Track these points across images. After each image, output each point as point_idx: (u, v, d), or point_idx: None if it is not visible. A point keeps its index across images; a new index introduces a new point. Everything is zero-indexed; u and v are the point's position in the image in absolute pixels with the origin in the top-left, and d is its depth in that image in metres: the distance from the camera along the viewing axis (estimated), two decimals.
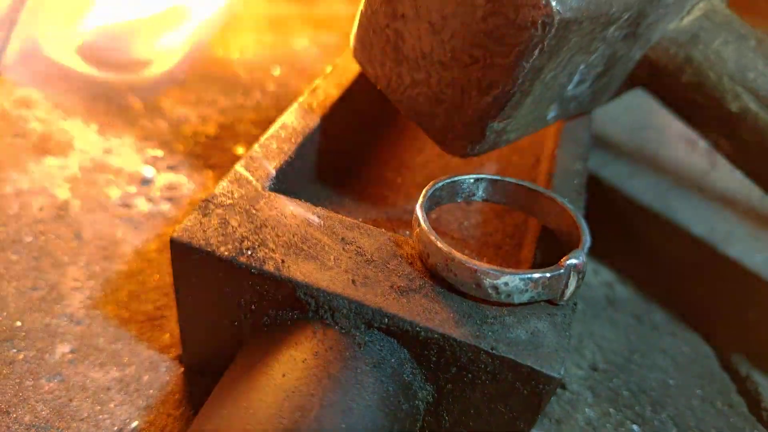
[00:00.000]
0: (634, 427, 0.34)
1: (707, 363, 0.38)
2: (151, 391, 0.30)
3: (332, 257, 0.26)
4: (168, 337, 0.33)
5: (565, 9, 0.25)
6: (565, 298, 0.25)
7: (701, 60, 0.35)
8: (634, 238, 0.46)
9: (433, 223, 0.35)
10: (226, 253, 0.25)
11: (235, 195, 0.28)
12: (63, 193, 0.39)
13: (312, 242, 0.26)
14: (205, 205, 0.27)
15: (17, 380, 0.29)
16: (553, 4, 0.24)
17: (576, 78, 0.32)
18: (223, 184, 0.29)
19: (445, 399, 0.26)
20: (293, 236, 0.27)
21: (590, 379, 0.35)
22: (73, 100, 0.47)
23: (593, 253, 0.44)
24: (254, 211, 0.27)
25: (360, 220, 0.32)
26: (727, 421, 0.35)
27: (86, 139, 0.44)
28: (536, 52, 0.26)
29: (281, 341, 0.24)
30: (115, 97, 0.49)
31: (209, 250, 0.25)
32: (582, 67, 0.32)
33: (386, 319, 0.24)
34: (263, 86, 0.53)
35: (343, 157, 0.38)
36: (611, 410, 0.34)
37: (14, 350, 0.30)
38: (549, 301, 0.26)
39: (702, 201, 0.51)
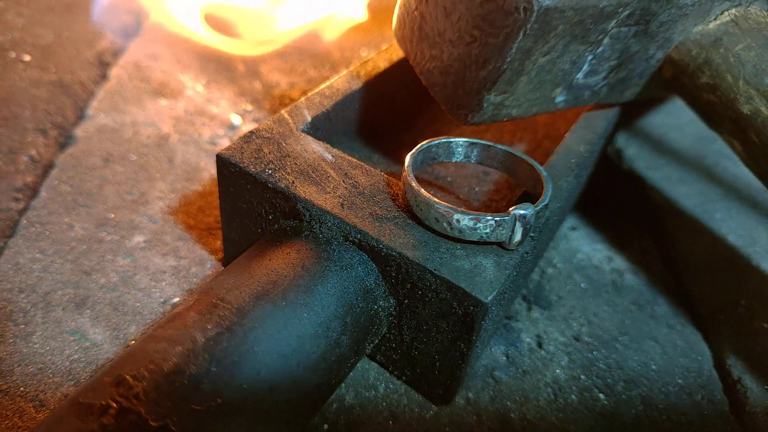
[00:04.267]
0: (601, 395, 0.36)
1: (699, 360, 0.39)
2: (195, 279, 0.38)
3: (332, 186, 0.32)
4: (219, 243, 0.41)
5: None
6: (513, 243, 0.30)
7: (720, 62, 0.37)
8: (664, 239, 0.47)
9: (446, 185, 0.40)
10: (252, 169, 0.33)
11: (274, 131, 0.35)
12: (167, 127, 0.49)
13: (320, 172, 0.33)
14: (249, 135, 0.35)
15: (101, 254, 0.38)
16: None
17: (585, 68, 0.36)
18: (267, 122, 0.36)
19: (405, 314, 0.31)
20: (307, 166, 0.33)
21: (570, 347, 0.39)
22: (192, 59, 0.57)
23: (612, 241, 0.46)
24: (284, 145, 0.34)
25: (378, 170, 0.38)
26: (701, 413, 0.36)
27: (194, 89, 0.54)
28: (521, 34, 0.30)
29: (279, 239, 0.31)
30: (225, 61, 0.58)
31: (242, 166, 0.33)
32: (590, 57, 0.35)
33: (359, 235, 0.30)
34: (350, 64, 0.61)
35: (382, 121, 0.44)
36: (582, 376, 0.37)
37: (104, 233, 0.40)
38: (501, 246, 0.30)
39: (751, 215, 0.51)
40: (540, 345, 0.38)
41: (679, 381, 0.38)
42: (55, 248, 0.38)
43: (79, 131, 0.47)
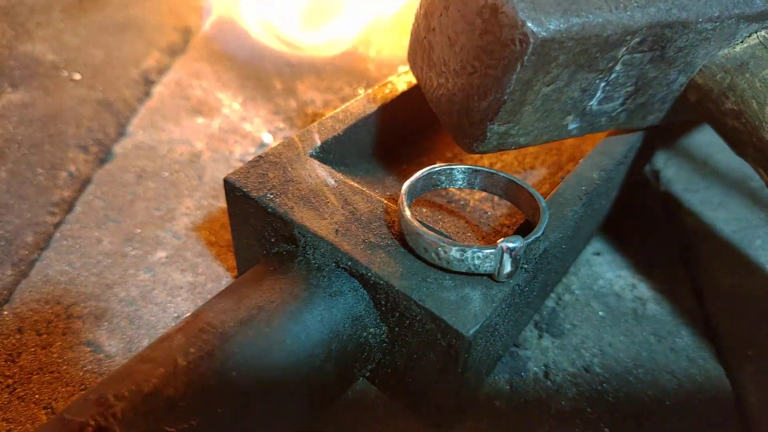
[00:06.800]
0: (607, 430, 0.35)
1: (719, 397, 0.37)
2: (210, 296, 0.40)
3: (330, 211, 0.33)
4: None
5: (541, 30, 0.29)
6: (502, 275, 0.29)
7: (745, 88, 0.35)
8: (694, 267, 0.45)
9: (458, 208, 0.40)
10: (255, 194, 0.34)
11: (282, 156, 0.36)
12: (200, 144, 0.51)
13: (320, 198, 0.34)
14: (257, 160, 0.36)
15: (125, 268, 0.41)
16: (529, 24, 0.28)
17: (598, 95, 0.35)
18: (278, 146, 0.37)
19: (396, 341, 0.31)
20: (309, 192, 0.34)
21: (579, 378, 0.38)
22: (232, 77, 0.60)
23: (638, 268, 0.45)
24: (290, 169, 0.35)
25: (388, 194, 0.39)
26: None
27: (231, 107, 0.56)
28: (518, 65, 0.30)
29: (273, 264, 0.32)
30: (263, 79, 0.60)
31: (245, 190, 0.34)
32: (602, 84, 0.34)
33: (350, 262, 0.30)
34: None
35: (399, 143, 0.44)
36: (588, 409, 0.36)
37: (130, 248, 0.42)
38: (492, 278, 0.30)
39: None
40: (547, 375, 0.37)
41: (695, 419, 0.36)
42: (83, 261, 0.40)
43: (118, 148, 0.50)
